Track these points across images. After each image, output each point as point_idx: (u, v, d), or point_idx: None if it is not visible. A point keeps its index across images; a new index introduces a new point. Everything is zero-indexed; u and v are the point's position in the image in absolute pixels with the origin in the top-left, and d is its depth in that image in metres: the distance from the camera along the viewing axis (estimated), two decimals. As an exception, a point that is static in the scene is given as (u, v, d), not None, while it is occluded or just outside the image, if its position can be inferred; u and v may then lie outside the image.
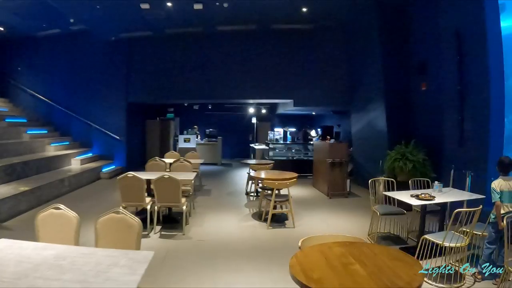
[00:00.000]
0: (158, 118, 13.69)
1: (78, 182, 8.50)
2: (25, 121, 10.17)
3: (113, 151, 11.09)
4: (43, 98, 11.05)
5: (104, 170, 10.09)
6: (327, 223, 6.09)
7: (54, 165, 8.72)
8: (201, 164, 8.70)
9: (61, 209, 2.96)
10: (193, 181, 6.17)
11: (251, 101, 13.27)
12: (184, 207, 5.37)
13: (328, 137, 9.21)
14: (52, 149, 9.55)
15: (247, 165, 8.66)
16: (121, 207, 5.54)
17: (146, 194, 5.64)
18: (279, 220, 6.09)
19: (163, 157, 8.37)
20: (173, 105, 14.79)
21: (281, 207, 6.49)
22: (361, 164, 9.66)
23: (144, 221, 5.53)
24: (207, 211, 6.70)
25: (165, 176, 5.16)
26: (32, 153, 8.71)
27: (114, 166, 10.77)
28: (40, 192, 6.65)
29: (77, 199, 7.41)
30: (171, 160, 7.48)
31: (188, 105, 14.93)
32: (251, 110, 15.07)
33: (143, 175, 5.74)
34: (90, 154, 10.74)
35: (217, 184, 9.74)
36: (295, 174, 6.40)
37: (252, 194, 8.21)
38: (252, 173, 7.55)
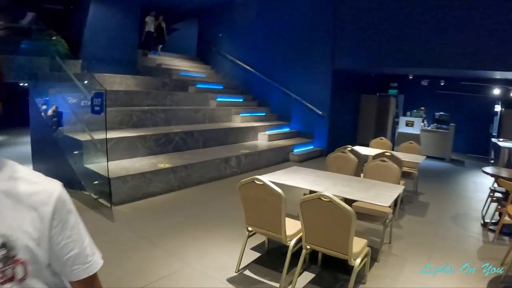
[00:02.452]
0: (377, 94, 11.15)
1: (253, 163, 6.70)
2: (221, 87, 9.45)
3: (313, 128, 9.07)
4: (242, 64, 10.19)
5: (295, 150, 8.09)
6: None
7: (233, 138, 7.36)
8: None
9: None
10: (392, 205, 3.07)
11: (497, 75, 8.38)
12: (358, 261, 2.47)
13: None
14: (239, 120, 8.34)
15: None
16: (247, 231, 3.27)
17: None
18: None
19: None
20: (397, 79, 11.86)
21: None
22: None
23: (279, 258, 2.98)
24: (408, 251, 3.55)
25: (323, 199, 2.37)
26: (211, 123, 7.65)
27: (311, 147, 8.76)
28: (186, 172, 5.11)
29: (220, 190, 5.33)
30: (372, 152, 4.86)
31: (414, 79, 11.42)
32: (496, 91, 10.82)
33: (294, 179, 3.16)
34: (286, 129, 9.16)
35: (441, 194, 6.06)
36: None
37: (493, 226, 4.17)
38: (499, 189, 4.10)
